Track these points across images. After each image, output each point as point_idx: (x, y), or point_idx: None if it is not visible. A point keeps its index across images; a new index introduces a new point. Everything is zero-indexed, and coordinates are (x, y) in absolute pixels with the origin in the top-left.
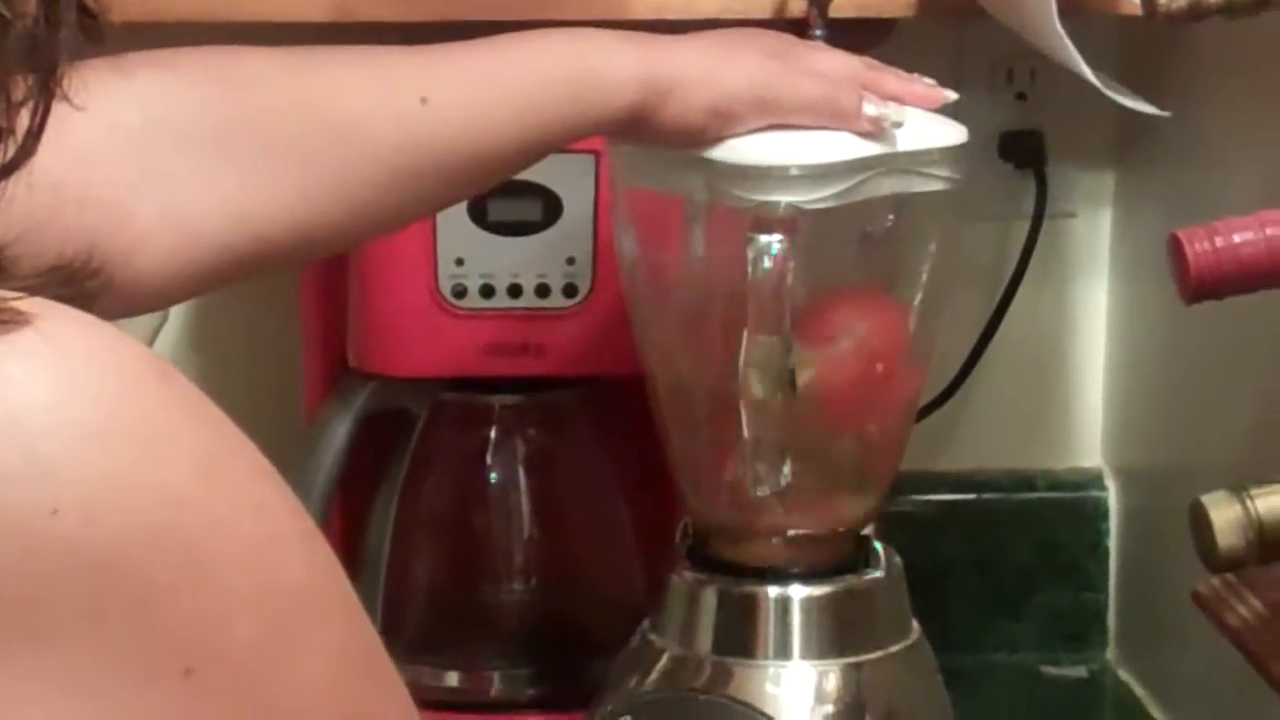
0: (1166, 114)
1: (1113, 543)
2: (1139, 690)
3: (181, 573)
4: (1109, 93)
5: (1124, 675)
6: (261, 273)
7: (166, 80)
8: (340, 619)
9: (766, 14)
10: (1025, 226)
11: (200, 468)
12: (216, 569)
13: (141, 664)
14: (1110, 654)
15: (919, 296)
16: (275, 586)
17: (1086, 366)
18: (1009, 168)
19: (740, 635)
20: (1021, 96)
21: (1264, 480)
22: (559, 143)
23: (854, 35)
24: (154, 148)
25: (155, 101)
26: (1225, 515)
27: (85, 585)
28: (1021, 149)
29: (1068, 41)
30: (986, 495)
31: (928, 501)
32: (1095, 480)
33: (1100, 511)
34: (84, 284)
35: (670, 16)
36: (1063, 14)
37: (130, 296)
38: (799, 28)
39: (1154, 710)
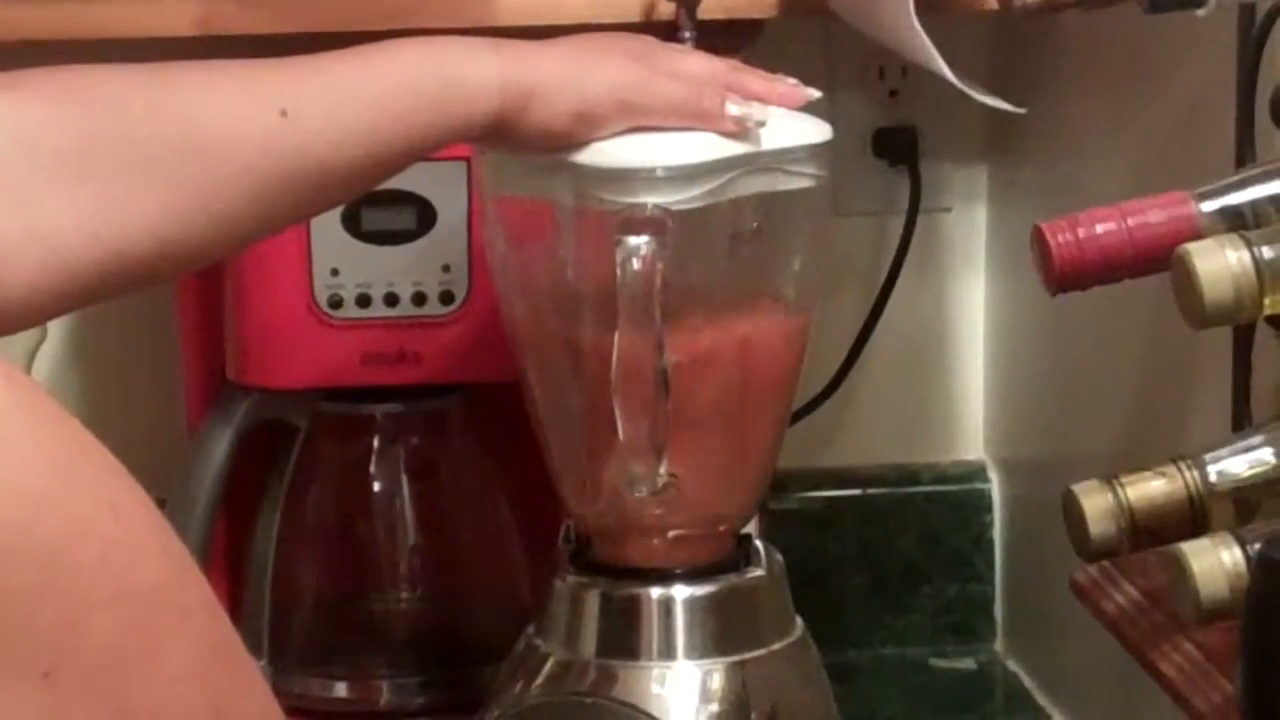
0: (1023, 110)
1: (997, 534)
2: (1027, 680)
3: (38, 572)
4: (968, 90)
5: (1012, 666)
6: (129, 289)
7: (21, 101)
8: (197, 615)
9: (635, 18)
10: (901, 222)
11: (53, 468)
12: (73, 569)
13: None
14: (999, 645)
15: (792, 293)
16: (133, 587)
17: (966, 360)
18: (883, 164)
19: (624, 637)
20: (894, 93)
21: (1135, 468)
22: (422, 152)
23: (723, 37)
24: (11, 168)
25: (10, 122)
26: (1096, 504)
27: None
28: (895, 145)
29: (926, 40)
30: (871, 490)
31: (813, 498)
32: (978, 473)
33: (984, 504)
34: None
35: (538, 22)
36: (928, 12)
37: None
38: (668, 30)
39: (1042, 700)
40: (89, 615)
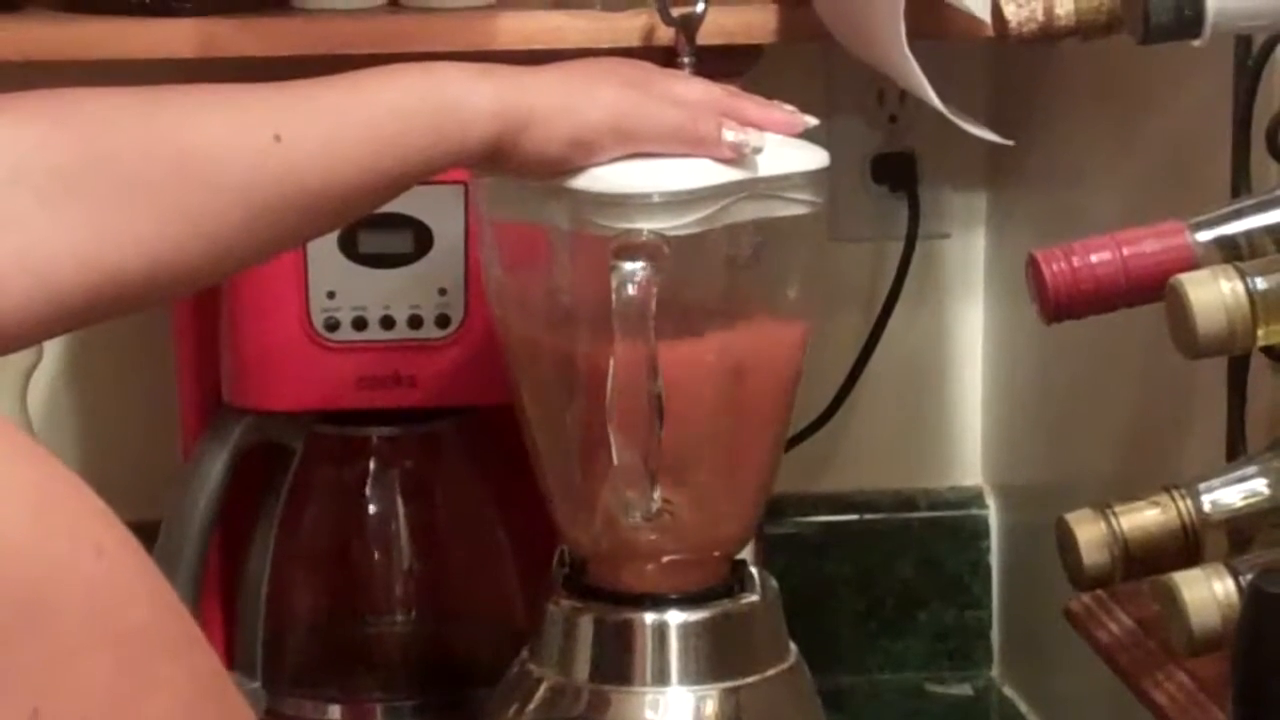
0: (1012, 143)
1: (994, 560)
2: (1023, 706)
3: (21, 617)
4: (956, 120)
5: (1008, 691)
6: (121, 312)
7: (12, 124)
8: (186, 652)
9: (635, 43)
10: (899, 248)
11: (35, 512)
12: (57, 612)
13: None
14: (994, 671)
15: (788, 318)
16: (119, 628)
17: (964, 386)
18: (882, 190)
19: (617, 662)
20: (893, 119)
21: (1129, 497)
22: (417, 177)
23: (722, 62)
24: (4, 192)
25: (3, 146)
26: (1089, 533)
27: None
28: (894, 171)
29: (917, 70)
30: (868, 516)
31: (810, 523)
32: (975, 499)
33: (981, 529)
34: None
35: (538, 47)
36: (925, 39)
37: None
38: (667, 56)
39: None
40: (76, 656)
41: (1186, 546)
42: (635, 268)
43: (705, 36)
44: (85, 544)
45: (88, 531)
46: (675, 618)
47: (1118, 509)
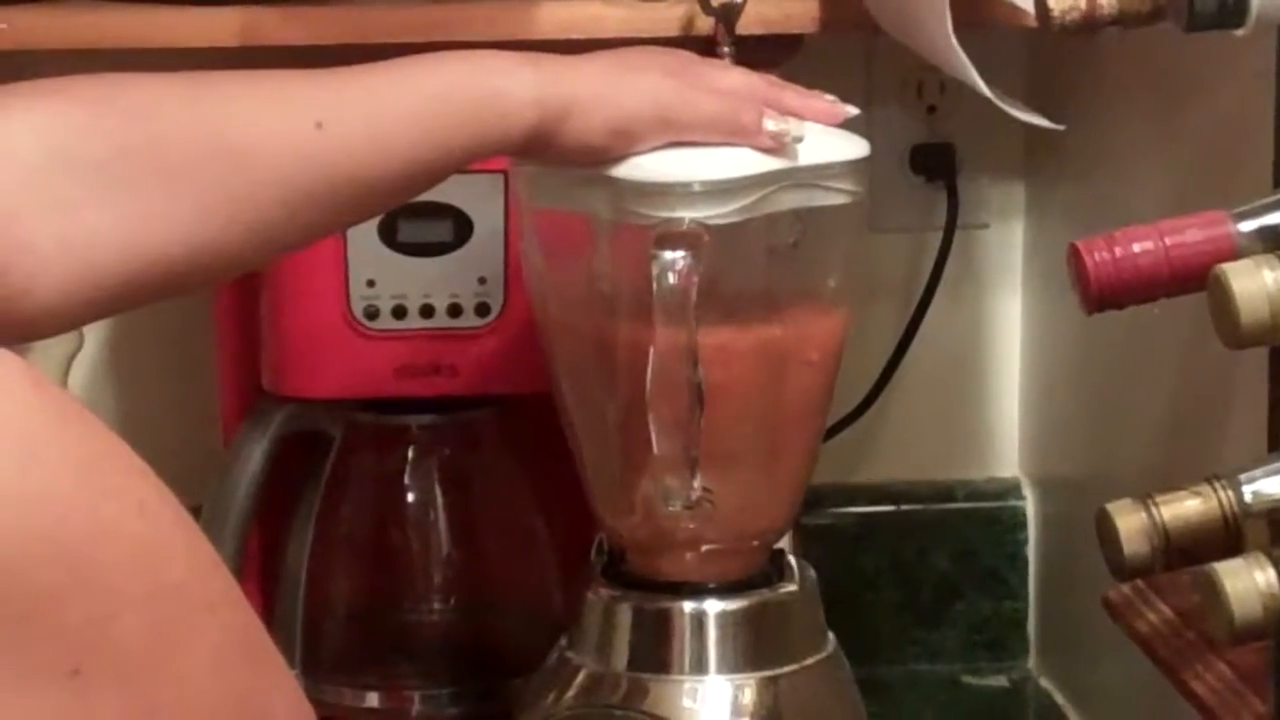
0: (1061, 128)
1: (1031, 552)
2: (1059, 698)
3: (66, 575)
4: (1005, 106)
5: (1045, 683)
6: (161, 297)
7: (58, 109)
8: (223, 611)
9: (674, 32)
10: (938, 238)
11: (80, 471)
12: (101, 570)
13: (28, 665)
14: (1031, 662)
15: (828, 308)
16: (159, 585)
17: (1002, 377)
18: (920, 180)
19: (656, 650)
20: (932, 110)
21: (1170, 487)
22: (457, 165)
23: (762, 52)
24: (50, 176)
25: (47, 131)
26: (1130, 523)
27: None
28: (932, 162)
29: (963, 57)
30: (905, 506)
31: (847, 514)
32: (1013, 490)
33: (1018, 521)
34: None
35: (577, 35)
36: (968, 27)
37: (33, 322)
38: (707, 45)
39: (1074, 718)
40: (117, 613)
41: (1228, 537)
42: (676, 256)
43: (745, 26)
44: (129, 502)
45: (131, 489)
46: (714, 607)
47: (1158, 499)
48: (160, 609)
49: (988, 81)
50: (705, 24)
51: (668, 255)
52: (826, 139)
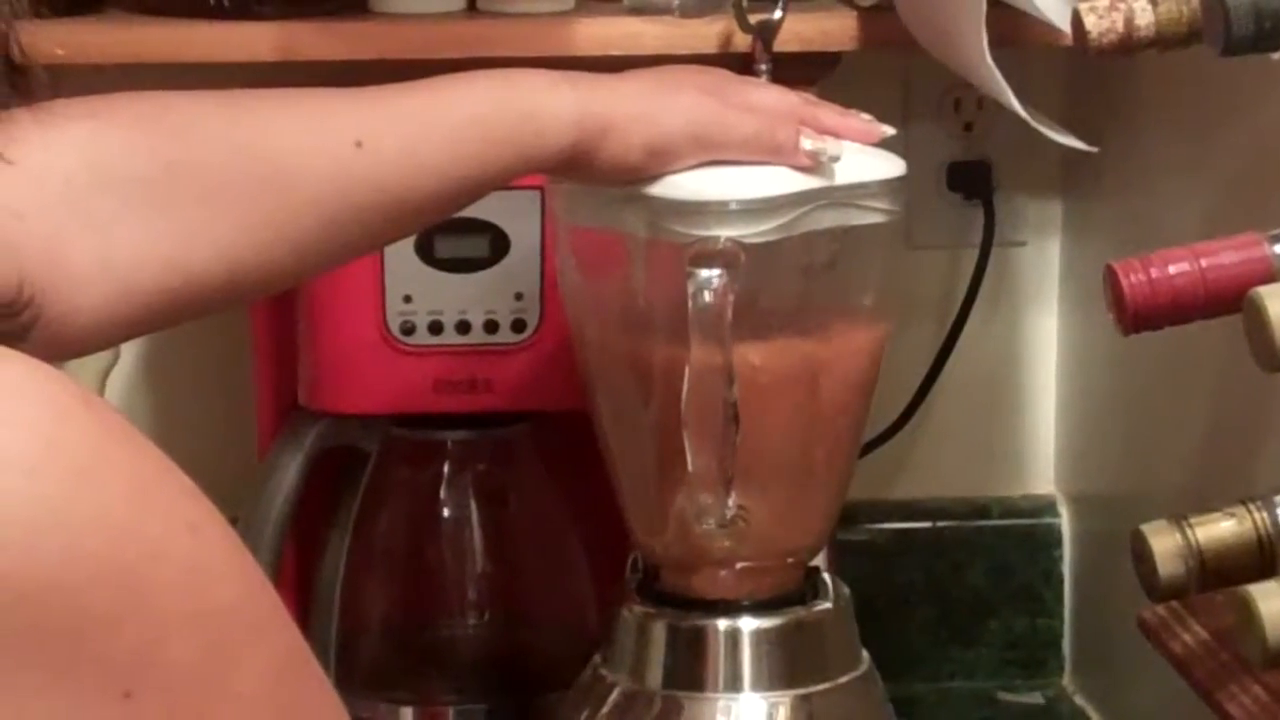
0: (1095, 150)
1: (1067, 569)
2: (1094, 716)
3: (119, 599)
4: (1039, 126)
5: (1080, 701)
6: (199, 314)
7: (100, 128)
8: (272, 632)
9: (712, 50)
10: (974, 256)
11: (132, 493)
12: (153, 593)
13: (81, 689)
14: (1066, 680)
15: (864, 326)
16: (209, 606)
17: (1038, 394)
18: (957, 198)
19: (690, 668)
20: (969, 127)
21: (1205, 509)
22: (495, 183)
23: (799, 70)
24: (88, 194)
25: (89, 149)
26: (1165, 544)
27: (24, 615)
28: (970, 179)
29: (999, 76)
30: (941, 523)
31: (882, 530)
32: (1049, 507)
33: (1054, 538)
34: (16, 319)
35: (615, 53)
36: (1005, 47)
37: (70, 338)
38: (744, 63)
39: None
40: (168, 636)
41: (1262, 559)
42: (711, 274)
43: (782, 43)
44: (179, 523)
45: (181, 511)
46: (748, 624)
47: (1193, 520)
48: (210, 630)
49: (1024, 101)
50: (743, 41)
51: (703, 273)
52: (863, 158)
